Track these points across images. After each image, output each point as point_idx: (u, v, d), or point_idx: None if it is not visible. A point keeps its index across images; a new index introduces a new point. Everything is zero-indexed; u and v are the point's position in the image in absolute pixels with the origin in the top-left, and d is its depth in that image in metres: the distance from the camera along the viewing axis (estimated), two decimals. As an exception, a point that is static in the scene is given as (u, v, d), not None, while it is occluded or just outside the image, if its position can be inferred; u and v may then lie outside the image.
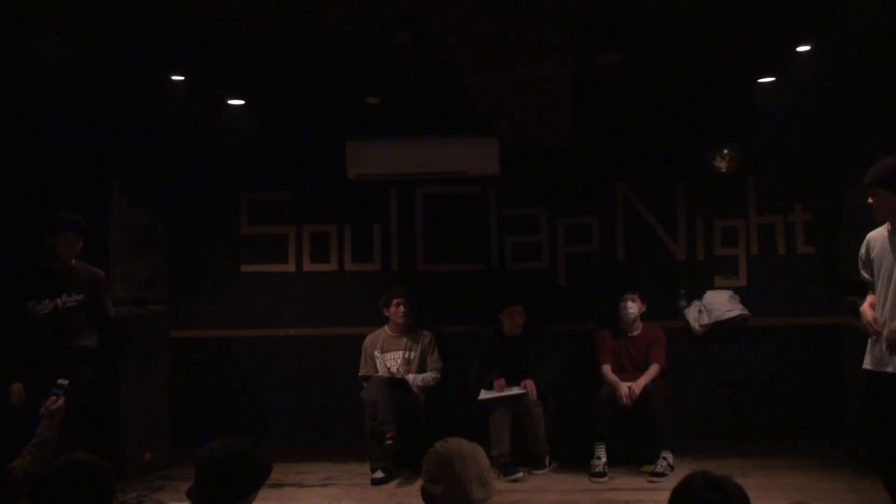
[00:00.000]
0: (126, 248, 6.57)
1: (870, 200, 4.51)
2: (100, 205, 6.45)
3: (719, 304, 6.94)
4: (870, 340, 4.54)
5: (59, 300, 5.20)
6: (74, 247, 5.27)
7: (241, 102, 6.53)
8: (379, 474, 6.31)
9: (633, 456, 6.44)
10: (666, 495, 2.35)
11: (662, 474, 6.09)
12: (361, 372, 6.82)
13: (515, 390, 6.41)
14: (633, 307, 6.60)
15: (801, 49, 5.37)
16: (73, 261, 5.33)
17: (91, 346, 5.31)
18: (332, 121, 7.13)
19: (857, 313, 4.68)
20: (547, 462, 6.53)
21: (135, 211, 6.68)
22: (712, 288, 7.08)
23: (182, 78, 5.71)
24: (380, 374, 6.64)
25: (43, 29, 4.64)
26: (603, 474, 6.19)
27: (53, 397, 4.08)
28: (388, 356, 6.80)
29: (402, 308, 6.80)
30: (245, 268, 7.43)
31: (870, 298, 4.63)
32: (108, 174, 6.53)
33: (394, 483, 6.29)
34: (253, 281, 7.42)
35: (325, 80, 6.06)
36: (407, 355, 6.79)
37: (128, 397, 6.51)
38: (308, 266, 7.43)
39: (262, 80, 6.10)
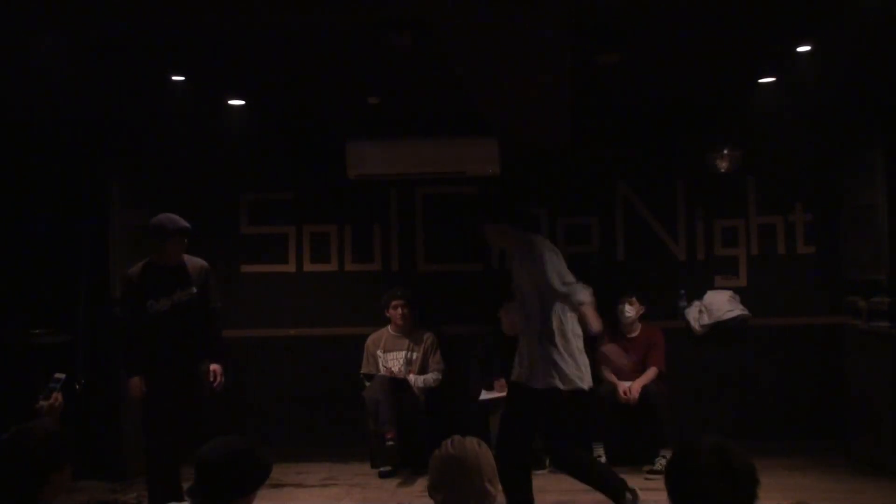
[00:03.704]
0: (126, 248, 6.56)
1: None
2: (100, 205, 6.45)
3: (719, 304, 6.93)
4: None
5: (174, 296, 5.32)
6: (183, 247, 5.40)
7: (242, 102, 6.53)
8: (386, 467, 6.42)
9: (634, 456, 6.44)
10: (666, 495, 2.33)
11: (660, 472, 6.08)
12: (363, 370, 6.83)
13: (515, 390, 6.40)
14: (630, 311, 6.60)
15: (801, 49, 5.37)
16: (184, 256, 5.46)
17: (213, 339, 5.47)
18: (332, 121, 7.13)
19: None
20: (547, 462, 6.53)
21: (135, 211, 6.67)
22: (712, 288, 7.07)
23: (182, 78, 5.71)
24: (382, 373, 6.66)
25: (42, 29, 4.64)
26: (603, 474, 6.18)
27: (53, 393, 4.05)
28: (391, 356, 6.81)
29: (399, 311, 6.81)
30: (245, 268, 7.42)
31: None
32: (107, 175, 6.52)
33: (394, 483, 6.30)
34: (253, 281, 7.41)
35: (325, 80, 6.06)
36: (409, 355, 6.80)
37: (128, 397, 6.48)
38: (308, 266, 7.43)
39: (262, 80, 6.10)
